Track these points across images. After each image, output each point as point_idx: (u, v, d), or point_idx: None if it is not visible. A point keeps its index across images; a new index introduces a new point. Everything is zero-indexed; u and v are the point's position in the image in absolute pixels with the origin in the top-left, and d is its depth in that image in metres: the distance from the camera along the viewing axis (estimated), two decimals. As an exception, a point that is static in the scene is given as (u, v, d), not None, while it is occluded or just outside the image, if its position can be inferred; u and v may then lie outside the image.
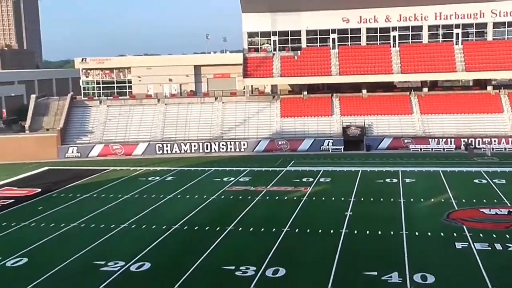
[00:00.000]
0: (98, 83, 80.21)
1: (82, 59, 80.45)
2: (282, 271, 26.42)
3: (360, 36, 73.41)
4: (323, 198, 41.40)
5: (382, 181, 47.37)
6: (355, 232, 32.58)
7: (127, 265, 27.68)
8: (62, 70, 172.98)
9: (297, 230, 33.11)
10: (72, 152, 64.63)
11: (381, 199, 40.64)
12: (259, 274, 26.10)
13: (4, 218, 37.47)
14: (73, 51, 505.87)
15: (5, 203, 42.08)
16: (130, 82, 79.64)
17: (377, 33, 73.43)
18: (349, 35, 73.50)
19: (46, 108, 72.02)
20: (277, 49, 73.86)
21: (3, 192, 46.11)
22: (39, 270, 27.28)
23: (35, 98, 72.61)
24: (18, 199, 43.27)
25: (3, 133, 71.43)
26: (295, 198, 41.59)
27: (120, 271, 27.00)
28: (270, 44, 74.25)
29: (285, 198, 41.80)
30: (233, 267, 26.98)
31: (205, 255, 29.05)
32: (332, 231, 32.73)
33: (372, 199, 40.74)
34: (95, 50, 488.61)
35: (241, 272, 26.39)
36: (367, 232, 32.53)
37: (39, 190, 46.57)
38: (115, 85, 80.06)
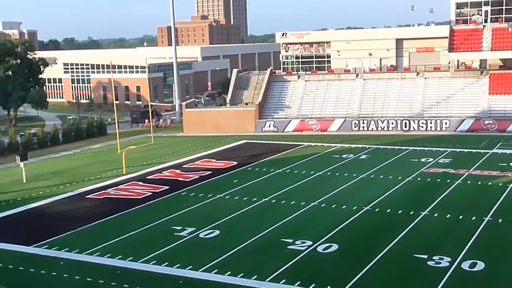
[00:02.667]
0: (297, 57, 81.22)
1: (283, 33, 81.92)
2: (480, 265, 24.53)
3: None
4: (534, 186, 37.71)
5: None
6: None
7: (314, 245, 27.59)
8: (264, 44, 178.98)
9: (500, 220, 30.61)
10: (269, 126, 66.41)
11: None
12: (453, 266, 24.47)
13: (201, 189, 39.62)
14: (276, 25, 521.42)
15: (203, 174, 44.48)
16: (329, 56, 79.51)
17: None
18: None
19: (246, 82, 74.71)
20: (489, 20, 68.48)
21: (202, 164, 48.76)
22: (229, 243, 28.30)
23: (236, 72, 75.64)
24: (215, 171, 45.46)
25: (207, 106, 75.60)
26: (500, 184, 38.46)
27: (307, 250, 26.98)
28: (481, 15, 69.09)
29: (489, 183, 38.84)
30: (426, 256, 25.62)
31: (395, 240, 27.96)
32: (542, 224, 29.75)
33: None
34: (298, 24, 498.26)
35: (434, 262, 24.96)
36: None
37: (235, 163, 48.51)
38: (314, 59, 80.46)
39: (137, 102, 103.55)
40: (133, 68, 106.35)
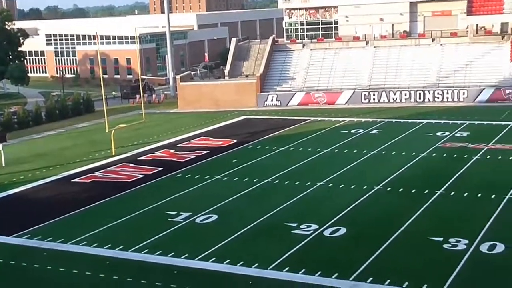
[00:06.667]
0: (302, 24, 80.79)
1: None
2: (500, 247, 24.58)
3: None
4: (559, 161, 37.85)
5: None
6: None
7: (321, 229, 27.61)
8: (266, 10, 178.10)
9: (522, 199, 30.66)
10: (272, 100, 66.21)
11: None
12: (471, 249, 24.53)
13: (197, 171, 39.57)
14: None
15: (199, 154, 44.47)
16: (336, 22, 79.06)
17: None
18: None
19: (246, 52, 74.35)
20: (510, -21, 67.89)
21: (199, 143, 48.74)
22: (227, 229, 28.34)
23: (236, 42, 75.17)
24: (213, 150, 45.45)
25: (204, 79, 75.33)
26: (523, 159, 38.52)
27: (313, 235, 27.01)
28: (503, -26, 68.52)
29: (510, 158, 38.82)
30: (441, 239, 25.67)
31: (409, 222, 28.01)
32: None
33: None
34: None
35: (450, 245, 25.02)
36: None
37: (235, 141, 48.49)
38: (320, 26, 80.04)
39: (128, 76, 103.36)
40: (122, 39, 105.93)
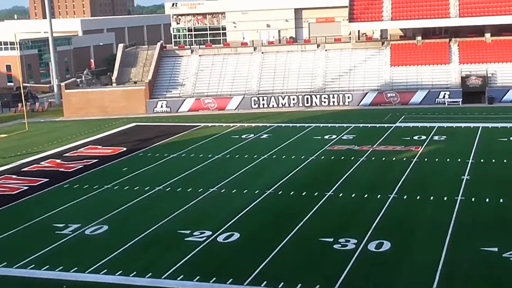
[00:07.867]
0: (189, 30, 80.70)
1: (173, 3, 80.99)
2: (386, 245, 25.40)
3: (485, -30, 68.76)
4: (437, 159, 39.69)
5: (506, 139, 44.83)
6: (473, 199, 31.02)
7: (214, 236, 27.53)
8: (154, 16, 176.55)
9: (405, 197, 31.89)
10: (161, 106, 65.66)
11: (504, 161, 38.45)
12: (360, 248, 25.22)
13: (86, 180, 38.51)
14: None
15: (88, 163, 43.31)
16: (224, 28, 79.53)
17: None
18: (473, -31, 69.04)
19: (134, 58, 73.35)
20: (388, -13, 70.78)
21: (87, 151, 47.54)
22: (119, 239, 27.66)
23: (123, 48, 74.01)
24: (102, 159, 44.44)
25: (90, 86, 73.57)
26: (404, 159, 40.13)
27: (206, 242, 26.89)
28: (380, -17, 71.25)
29: (393, 159, 40.43)
30: (331, 239, 26.23)
31: (300, 225, 28.49)
32: (445, 198, 31.32)
33: (493, 161, 38.65)
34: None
35: (340, 245, 25.61)
36: (487, 199, 30.88)
37: (125, 149, 47.64)
38: (208, 32, 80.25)
39: (9, 84, 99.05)
40: (1, 45, 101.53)
